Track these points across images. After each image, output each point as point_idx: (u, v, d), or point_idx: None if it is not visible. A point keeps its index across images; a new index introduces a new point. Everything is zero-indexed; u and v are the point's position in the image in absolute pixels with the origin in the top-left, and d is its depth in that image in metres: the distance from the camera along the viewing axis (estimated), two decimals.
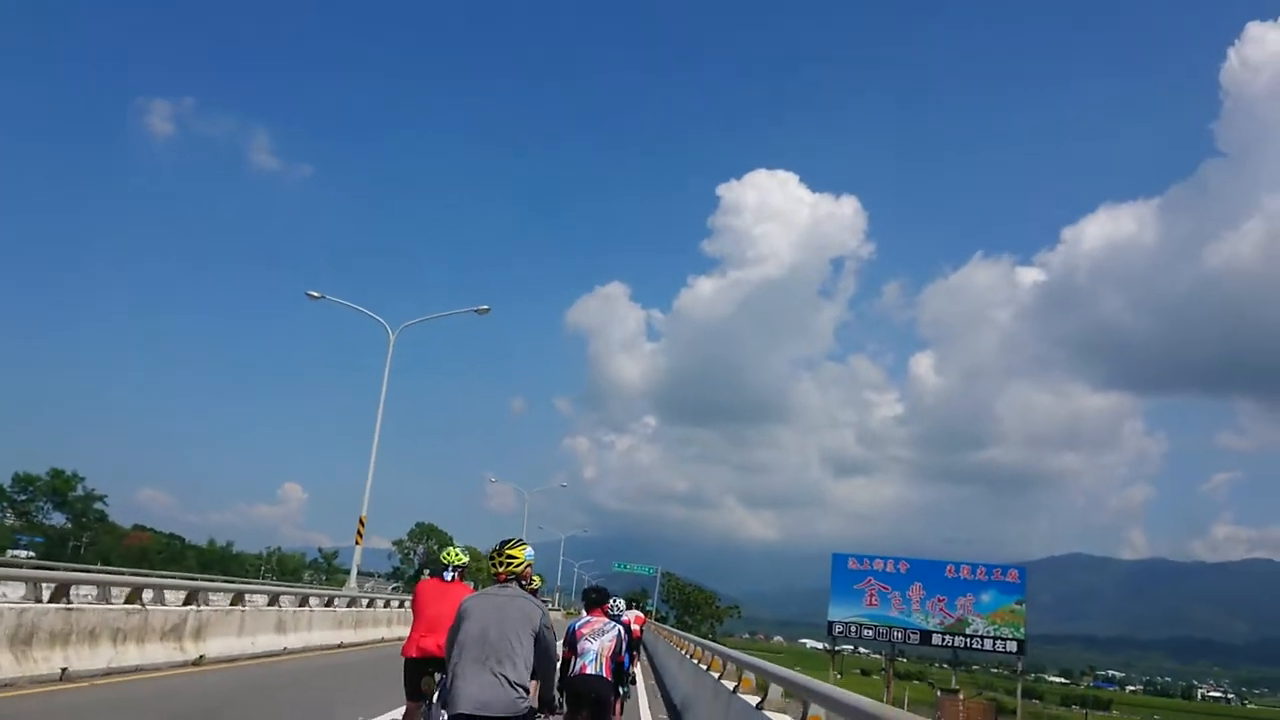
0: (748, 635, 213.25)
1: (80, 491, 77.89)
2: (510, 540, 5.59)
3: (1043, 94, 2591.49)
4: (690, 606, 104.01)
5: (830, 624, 52.91)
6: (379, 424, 28.53)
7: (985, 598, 50.45)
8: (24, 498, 77.74)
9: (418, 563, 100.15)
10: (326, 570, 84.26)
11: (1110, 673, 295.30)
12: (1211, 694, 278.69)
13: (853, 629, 52.81)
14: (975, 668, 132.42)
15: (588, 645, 7.29)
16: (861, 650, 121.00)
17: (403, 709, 7.72)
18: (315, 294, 28.94)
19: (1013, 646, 49.85)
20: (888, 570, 52.90)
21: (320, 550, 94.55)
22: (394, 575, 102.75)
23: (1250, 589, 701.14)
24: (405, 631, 30.06)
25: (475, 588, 6.77)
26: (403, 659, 7.45)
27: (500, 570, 5.45)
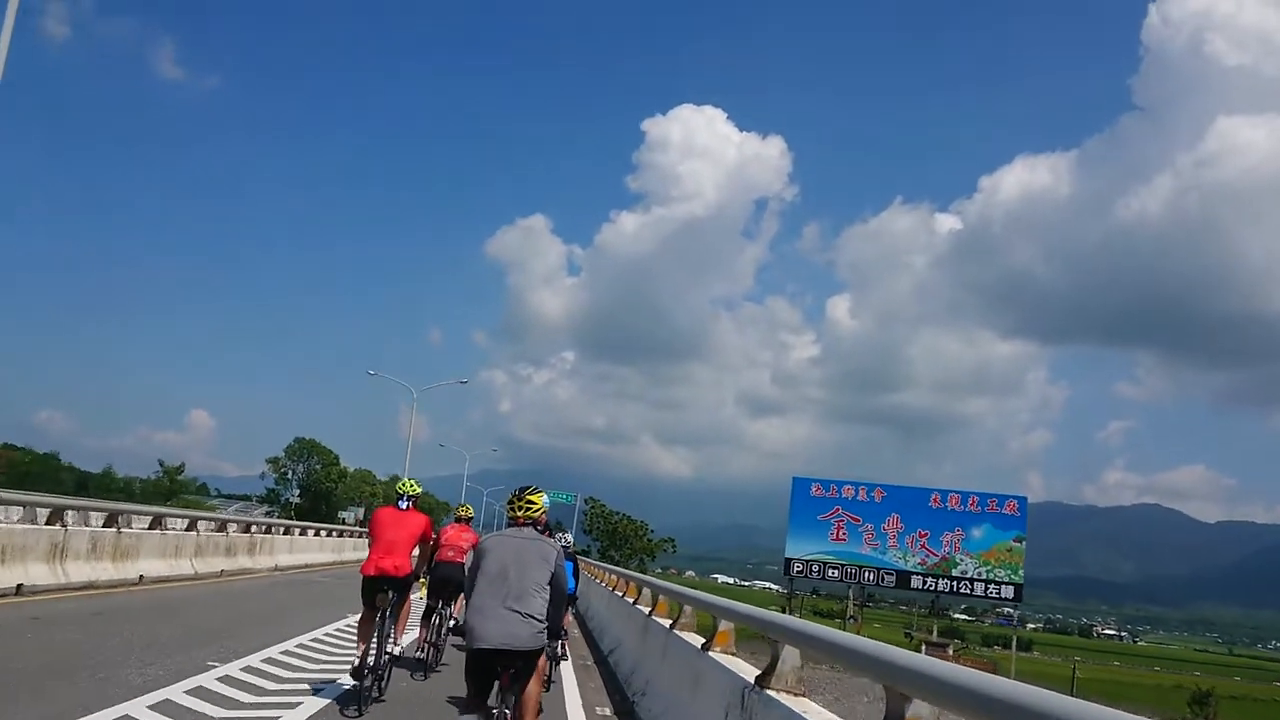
0: (660, 570, 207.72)
1: None
2: (528, 487, 6.30)
3: (969, 42, 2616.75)
4: (617, 538, 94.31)
5: (788, 561, 43.87)
6: None
7: (977, 533, 41.95)
8: None
9: (296, 485, 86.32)
10: (168, 490, 70.52)
11: (1007, 610, 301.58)
12: (1106, 632, 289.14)
13: (814, 568, 43.85)
14: (950, 614, 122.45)
15: None
16: (820, 592, 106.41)
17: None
18: None
19: (1008, 592, 41.58)
20: (859, 498, 43.93)
21: (161, 463, 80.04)
22: (268, 499, 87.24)
23: (1138, 532, 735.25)
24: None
25: (436, 520, 9.07)
26: (361, 576, 8.32)
27: (519, 515, 6.03)
